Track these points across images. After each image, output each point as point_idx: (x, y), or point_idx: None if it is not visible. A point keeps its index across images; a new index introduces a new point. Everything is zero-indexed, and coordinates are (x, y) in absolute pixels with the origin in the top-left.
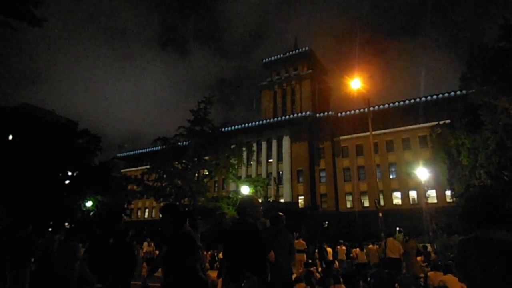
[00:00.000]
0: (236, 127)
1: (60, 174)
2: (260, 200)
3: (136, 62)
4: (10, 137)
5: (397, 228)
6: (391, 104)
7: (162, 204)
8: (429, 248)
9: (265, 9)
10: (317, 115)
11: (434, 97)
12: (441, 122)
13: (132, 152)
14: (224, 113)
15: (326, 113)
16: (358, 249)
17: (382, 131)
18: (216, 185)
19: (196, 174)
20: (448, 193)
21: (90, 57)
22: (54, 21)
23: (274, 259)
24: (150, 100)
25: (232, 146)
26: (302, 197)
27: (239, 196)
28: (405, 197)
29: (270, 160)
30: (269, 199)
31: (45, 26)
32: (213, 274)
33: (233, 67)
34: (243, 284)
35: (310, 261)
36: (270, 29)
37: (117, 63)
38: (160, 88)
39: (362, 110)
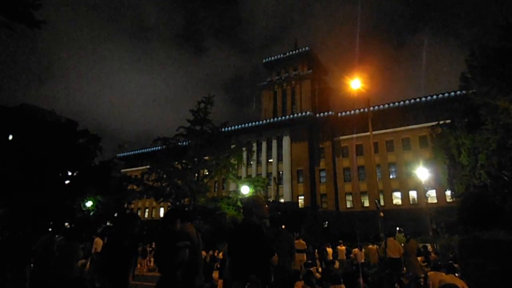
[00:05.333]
0: (236, 127)
1: (60, 174)
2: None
3: (153, 60)
4: (10, 137)
5: (397, 228)
6: (391, 104)
7: (162, 204)
8: (429, 248)
9: (289, 7)
10: (317, 115)
11: (434, 97)
12: (441, 122)
13: (132, 152)
14: (238, 111)
15: (326, 113)
16: (357, 249)
17: (382, 131)
18: (216, 185)
19: (196, 174)
20: (448, 193)
21: (107, 55)
22: (76, 18)
23: (277, 262)
24: (163, 98)
25: (232, 146)
26: (302, 197)
27: (239, 196)
28: (405, 197)
29: (270, 160)
30: (269, 199)
31: (60, 23)
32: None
33: (249, 66)
34: (246, 286)
35: (310, 261)
36: (290, 28)
37: (135, 61)
38: (173, 86)
39: (362, 110)
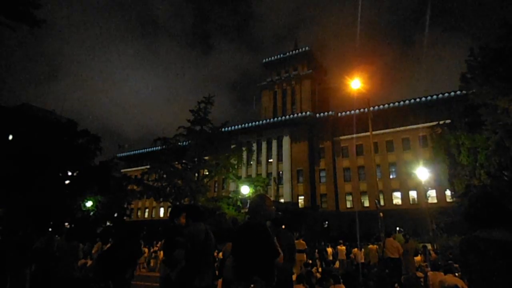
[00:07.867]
0: (236, 127)
1: (60, 174)
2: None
3: (158, 59)
4: (10, 137)
5: (397, 228)
6: (391, 104)
7: (162, 204)
8: (429, 248)
9: (299, 5)
10: (317, 115)
11: (434, 97)
12: (441, 122)
13: (132, 152)
14: (244, 110)
15: (326, 113)
16: (357, 249)
17: (382, 131)
18: (216, 185)
19: (196, 174)
20: (448, 193)
21: (110, 55)
22: (80, 16)
23: (282, 262)
24: (165, 98)
25: (232, 146)
26: (302, 197)
27: (239, 196)
28: (405, 197)
29: (270, 160)
30: None
31: (63, 21)
32: None
33: (256, 65)
34: (251, 287)
35: (310, 261)
36: (299, 26)
37: (139, 60)
38: (177, 85)
39: (362, 110)
